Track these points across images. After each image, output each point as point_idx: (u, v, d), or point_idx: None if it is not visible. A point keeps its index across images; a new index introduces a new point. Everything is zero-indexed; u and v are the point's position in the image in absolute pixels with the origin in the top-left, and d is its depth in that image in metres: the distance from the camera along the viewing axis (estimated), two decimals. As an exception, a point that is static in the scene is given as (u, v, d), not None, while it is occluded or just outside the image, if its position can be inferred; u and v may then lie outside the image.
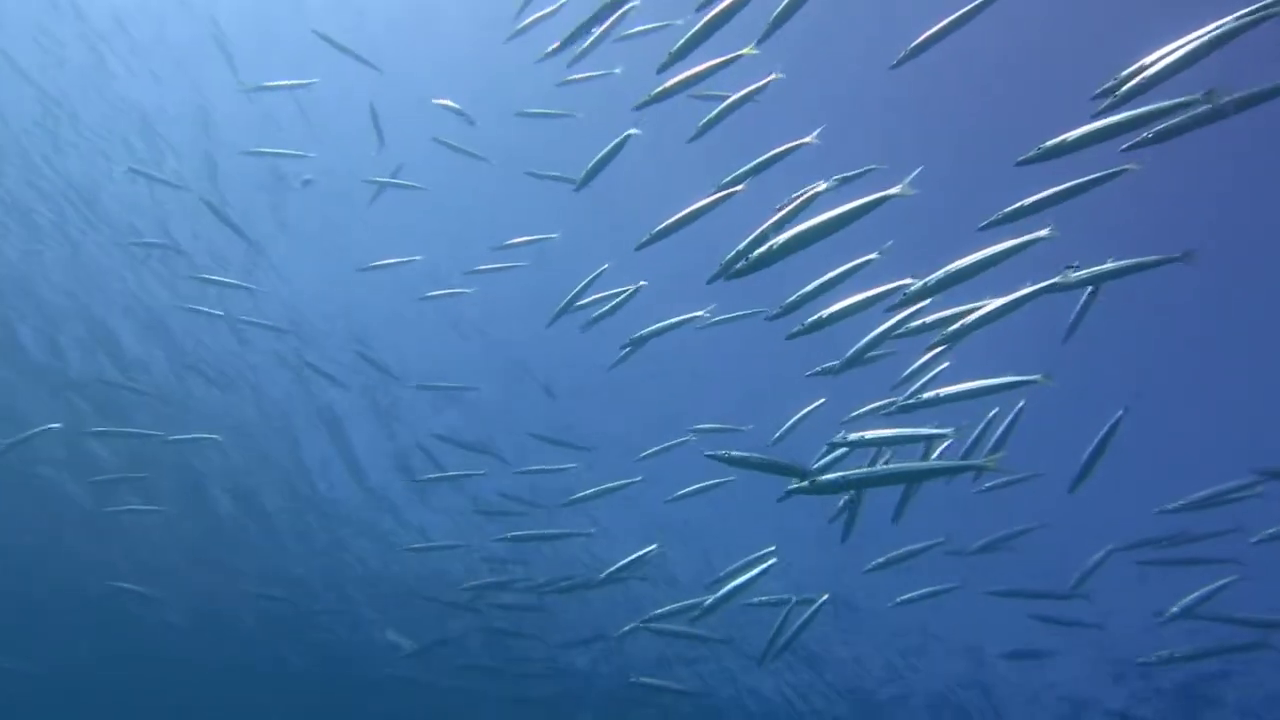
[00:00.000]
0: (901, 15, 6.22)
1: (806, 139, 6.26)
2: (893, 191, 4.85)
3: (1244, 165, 12.24)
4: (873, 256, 5.66)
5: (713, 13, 5.54)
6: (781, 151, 6.21)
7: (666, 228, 6.25)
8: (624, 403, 18.00)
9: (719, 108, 6.58)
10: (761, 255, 4.86)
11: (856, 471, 5.23)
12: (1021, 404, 6.99)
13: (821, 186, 5.27)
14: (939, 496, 8.41)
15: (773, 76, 6.30)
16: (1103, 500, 12.84)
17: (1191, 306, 14.02)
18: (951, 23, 5.55)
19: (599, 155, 7.22)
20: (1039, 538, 9.67)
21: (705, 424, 10.48)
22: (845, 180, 5.82)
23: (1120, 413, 6.93)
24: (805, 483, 4.97)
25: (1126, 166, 4.76)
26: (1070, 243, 5.43)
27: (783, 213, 5.28)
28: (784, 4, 5.54)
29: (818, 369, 7.24)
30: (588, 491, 10.87)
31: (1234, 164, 12.07)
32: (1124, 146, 4.69)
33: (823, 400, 8.57)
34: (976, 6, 5.39)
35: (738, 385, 17.45)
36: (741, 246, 5.16)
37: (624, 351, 8.59)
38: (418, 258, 12.12)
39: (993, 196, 5.23)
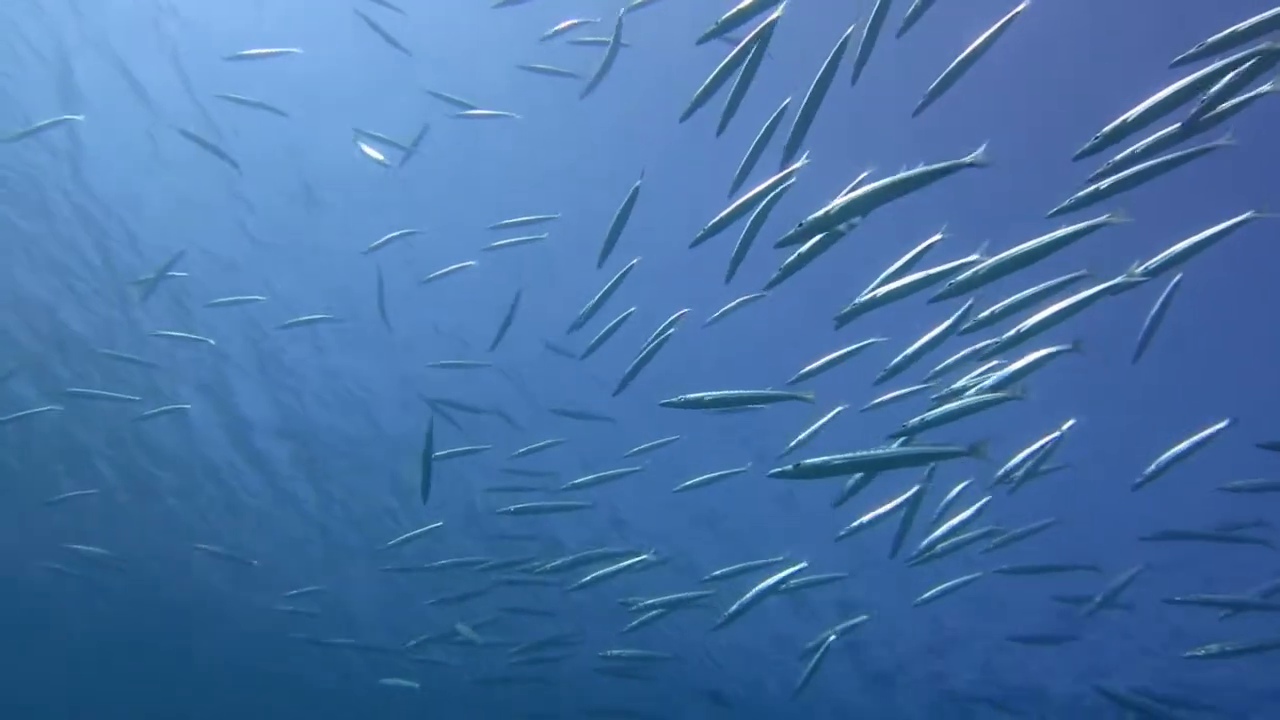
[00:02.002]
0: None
1: (799, 163, 5.79)
2: (965, 160, 4.45)
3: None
4: (938, 237, 5.26)
5: None
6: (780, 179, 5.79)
7: (719, 222, 5.78)
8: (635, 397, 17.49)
9: (749, 153, 6.00)
10: (817, 220, 4.43)
11: (840, 456, 4.95)
12: (1072, 421, 6.68)
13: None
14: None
15: (782, 84, 5.83)
16: (1106, 496, 12.61)
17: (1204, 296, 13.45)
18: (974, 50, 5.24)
19: (612, 220, 6.78)
20: (1055, 530, 9.41)
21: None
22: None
23: (1224, 423, 6.50)
24: (790, 467, 4.80)
25: (1219, 142, 4.37)
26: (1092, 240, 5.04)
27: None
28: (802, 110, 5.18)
29: (795, 378, 6.90)
30: (587, 478, 10.57)
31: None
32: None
33: (844, 406, 8.24)
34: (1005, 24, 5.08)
35: (750, 380, 16.92)
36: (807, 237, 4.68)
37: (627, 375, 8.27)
38: (419, 230, 11.65)
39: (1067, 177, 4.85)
